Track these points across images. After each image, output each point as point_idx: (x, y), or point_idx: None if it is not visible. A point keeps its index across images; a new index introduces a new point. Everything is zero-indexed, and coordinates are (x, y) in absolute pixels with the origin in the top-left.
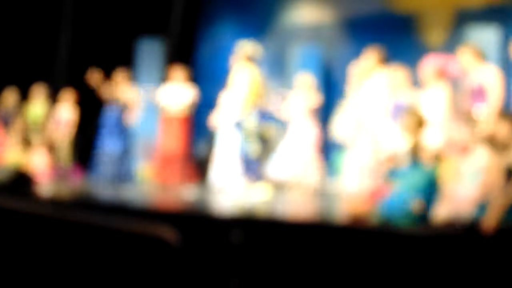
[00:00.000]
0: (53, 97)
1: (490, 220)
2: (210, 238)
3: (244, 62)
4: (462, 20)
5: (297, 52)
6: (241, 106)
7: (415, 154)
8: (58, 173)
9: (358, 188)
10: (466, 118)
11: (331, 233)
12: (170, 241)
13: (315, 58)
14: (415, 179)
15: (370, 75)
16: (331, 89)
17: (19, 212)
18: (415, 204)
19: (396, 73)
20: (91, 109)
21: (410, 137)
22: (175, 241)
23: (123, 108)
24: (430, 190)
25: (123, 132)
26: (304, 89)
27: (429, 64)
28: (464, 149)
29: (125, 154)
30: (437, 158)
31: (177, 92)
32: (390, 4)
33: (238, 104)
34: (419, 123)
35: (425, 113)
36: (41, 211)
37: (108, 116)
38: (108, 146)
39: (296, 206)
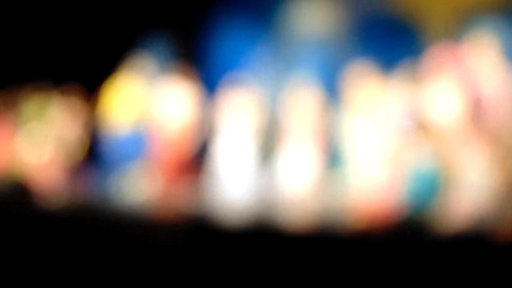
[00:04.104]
0: (57, 93)
1: (502, 227)
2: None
3: (132, 73)
4: (470, 23)
5: (300, 55)
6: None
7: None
8: (66, 175)
9: (371, 184)
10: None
11: (338, 242)
12: (171, 247)
13: (319, 61)
14: (429, 175)
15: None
16: (335, 93)
17: (23, 222)
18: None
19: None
20: (97, 105)
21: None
22: (177, 247)
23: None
24: (442, 186)
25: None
26: (306, 91)
27: (439, 55)
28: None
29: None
30: (448, 155)
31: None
32: (397, 7)
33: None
34: (429, 132)
35: (430, 117)
36: (44, 222)
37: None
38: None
39: (298, 213)
